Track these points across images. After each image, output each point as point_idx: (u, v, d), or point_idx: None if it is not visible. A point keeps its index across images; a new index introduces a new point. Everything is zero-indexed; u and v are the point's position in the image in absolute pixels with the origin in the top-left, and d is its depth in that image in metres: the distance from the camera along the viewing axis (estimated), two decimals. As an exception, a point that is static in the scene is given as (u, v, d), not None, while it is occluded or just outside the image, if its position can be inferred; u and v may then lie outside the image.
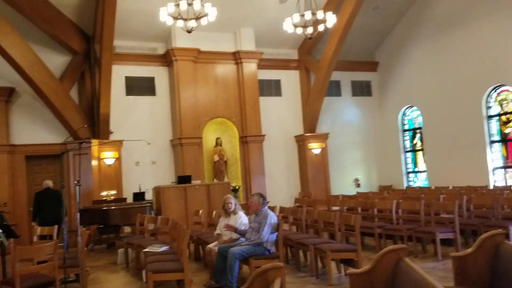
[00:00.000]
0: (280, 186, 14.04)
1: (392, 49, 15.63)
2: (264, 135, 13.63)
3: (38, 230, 7.86)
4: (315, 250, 6.39)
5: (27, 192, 11.04)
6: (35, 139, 11.27)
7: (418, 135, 15.29)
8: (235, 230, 6.23)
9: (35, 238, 7.60)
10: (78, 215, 6.09)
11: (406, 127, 15.67)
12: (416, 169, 15.37)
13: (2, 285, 5.19)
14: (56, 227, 7.73)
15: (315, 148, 14.42)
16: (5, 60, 10.06)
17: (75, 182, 6.02)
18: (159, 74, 13.05)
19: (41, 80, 10.51)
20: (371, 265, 3.38)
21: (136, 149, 12.14)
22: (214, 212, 8.72)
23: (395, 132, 15.73)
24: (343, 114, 15.63)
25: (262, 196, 6.31)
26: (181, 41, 12.36)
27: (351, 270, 3.58)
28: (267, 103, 14.06)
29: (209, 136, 13.38)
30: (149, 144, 11.33)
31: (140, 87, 12.76)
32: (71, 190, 11.12)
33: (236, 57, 13.34)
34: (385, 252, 3.37)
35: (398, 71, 15.39)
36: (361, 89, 16.12)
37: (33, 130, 11.32)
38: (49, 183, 10.93)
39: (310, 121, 14.48)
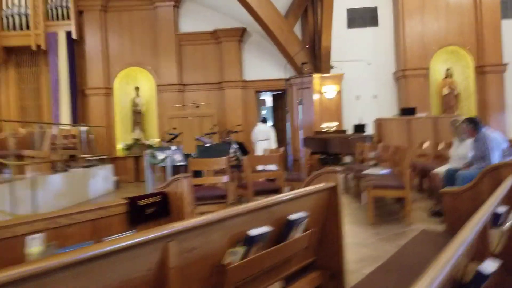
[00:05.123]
0: (526, 123, 11.92)
1: None
2: (506, 64, 11.65)
3: (267, 152, 8.62)
4: None
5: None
6: (263, 75, 12.24)
7: None
8: None
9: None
10: (301, 133, 6.31)
11: None
12: None
13: (238, 187, 5.88)
14: (280, 148, 8.36)
15: None
16: (238, 1, 10.96)
17: (297, 101, 6.21)
18: (382, 3, 12.34)
19: (269, 18, 11.15)
20: None
21: (356, 83, 12.03)
22: (441, 143, 7.96)
23: None
24: None
25: (472, 122, 5.36)
26: (407, -37, 11.32)
27: None
28: (510, 27, 11.85)
29: (438, 67, 12.15)
30: (369, 64, 11.05)
31: (362, 18, 12.34)
32: (294, 123, 11.83)
33: (474, -27, 11.53)
34: None
35: None
36: None
37: (261, 66, 12.29)
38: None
39: None
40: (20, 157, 7.18)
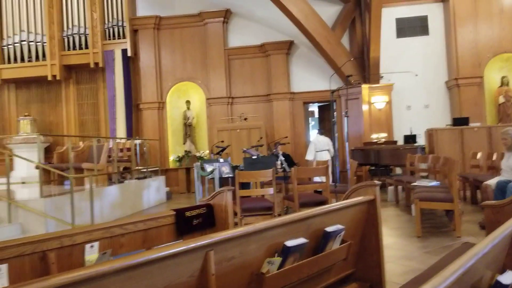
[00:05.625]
0: None
1: None
2: None
3: (314, 163, 8.65)
4: None
5: (306, 134, 12.34)
6: (311, 87, 12.31)
7: None
8: None
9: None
10: (346, 144, 6.32)
11: None
12: None
13: (284, 199, 5.96)
14: (327, 160, 8.36)
15: None
16: (285, 15, 11.15)
17: (343, 113, 6.23)
18: (432, 11, 12.10)
19: (316, 30, 11.24)
20: None
21: (407, 93, 11.83)
22: (495, 154, 7.67)
23: None
24: None
25: None
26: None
27: None
28: None
29: (493, 75, 11.70)
30: (416, 75, 10.92)
31: (411, 27, 12.14)
32: (343, 134, 11.78)
33: (530, -25, 11.05)
34: None
35: None
36: None
37: (309, 78, 12.37)
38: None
39: None
40: (79, 170, 7.65)
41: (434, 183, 6.18)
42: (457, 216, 4.79)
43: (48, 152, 11.80)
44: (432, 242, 4.63)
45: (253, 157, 6.53)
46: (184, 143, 12.73)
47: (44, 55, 12.40)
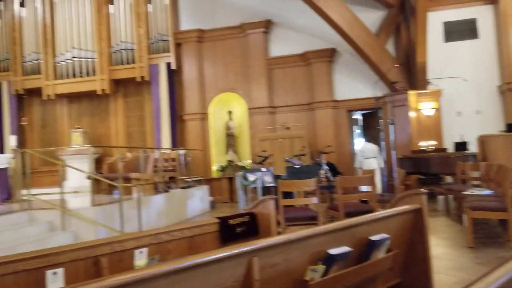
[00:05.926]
0: None
1: None
2: None
3: (361, 172, 8.51)
4: None
5: (350, 143, 12.16)
6: (355, 94, 12.15)
7: None
8: None
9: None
10: (393, 153, 6.18)
11: None
12: None
13: (329, 209, 5.90)
14: (374, 169, 8.19)
15: None
16: (327, 23, 11.12)
17: (389, 120, 6.11)
18: (482, 14, 11.67)
19: (359, 37, 11.12)
20: None
21: (457, 98, 11.44)
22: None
23: None
24: None
25: None
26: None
27: None
28: None
29: (549, 78, 11.11)
30: (465, 80, 10.59)
31: (459, 31, 11.77)
32: (389, 142, 11.50)
33: None
34: None
35: None
36: None
37: (353, 86, 12.22)
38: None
39: None
40: (127, 179, 7.91)
41: (486, 191, 5.92)
42: (511, 226, 4.57)
43: (98, 162, 12.28)
44: (485, 253, 4.43)
45: (296, 166, 6.51)
46: (226, 153, 12.89)
47: (94, 71, 12.98)
